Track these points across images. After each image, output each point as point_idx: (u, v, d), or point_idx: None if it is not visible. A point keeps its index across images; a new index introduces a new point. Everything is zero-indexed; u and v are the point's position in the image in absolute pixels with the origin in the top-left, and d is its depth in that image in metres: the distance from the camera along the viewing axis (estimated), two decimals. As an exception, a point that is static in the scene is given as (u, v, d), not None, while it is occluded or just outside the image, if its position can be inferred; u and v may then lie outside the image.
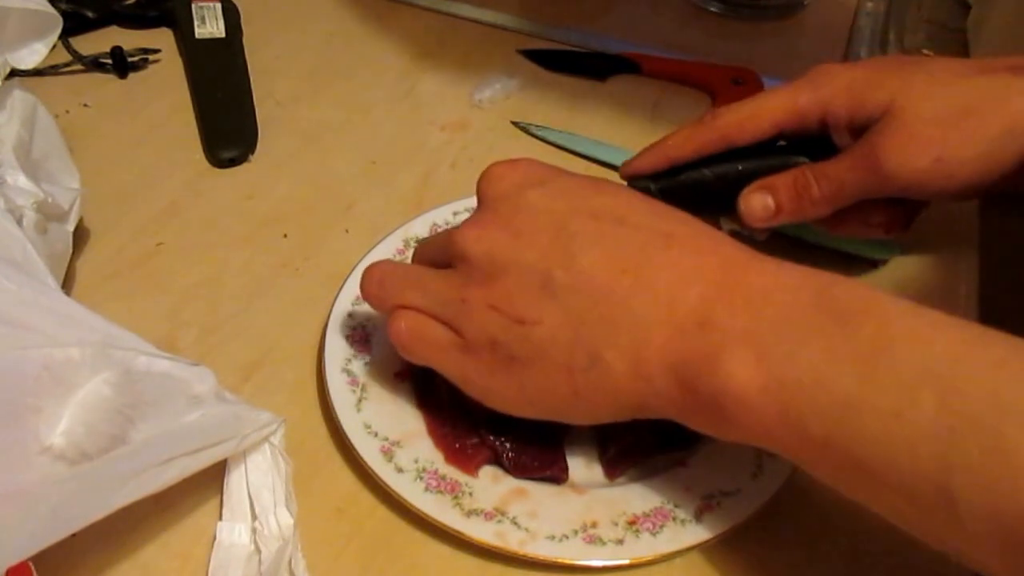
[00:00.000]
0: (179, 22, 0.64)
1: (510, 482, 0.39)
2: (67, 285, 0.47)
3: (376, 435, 0.39)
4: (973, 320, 0.30)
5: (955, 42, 0.66)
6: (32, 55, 0.51)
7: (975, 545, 0.28)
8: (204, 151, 0.56)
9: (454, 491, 0.38)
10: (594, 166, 0.57)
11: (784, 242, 0.49)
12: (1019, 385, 0.27)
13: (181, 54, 0.63)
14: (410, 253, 0.47)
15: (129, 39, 0.63)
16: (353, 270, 0.46)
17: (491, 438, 0.39)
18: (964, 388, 0.28)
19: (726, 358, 0.31)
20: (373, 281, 0.39)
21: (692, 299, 0.33)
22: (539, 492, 0.39)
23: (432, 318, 0.37)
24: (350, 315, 0.44)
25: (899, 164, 0.41)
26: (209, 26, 0.63)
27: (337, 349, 0.43)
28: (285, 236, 0.51)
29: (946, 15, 0.69)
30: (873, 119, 0.42)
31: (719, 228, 0.46)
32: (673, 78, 0.63)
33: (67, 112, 0.58)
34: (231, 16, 0.65)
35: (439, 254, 0.39)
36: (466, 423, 0.40)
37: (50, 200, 0.43)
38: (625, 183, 0.47)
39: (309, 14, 0.68)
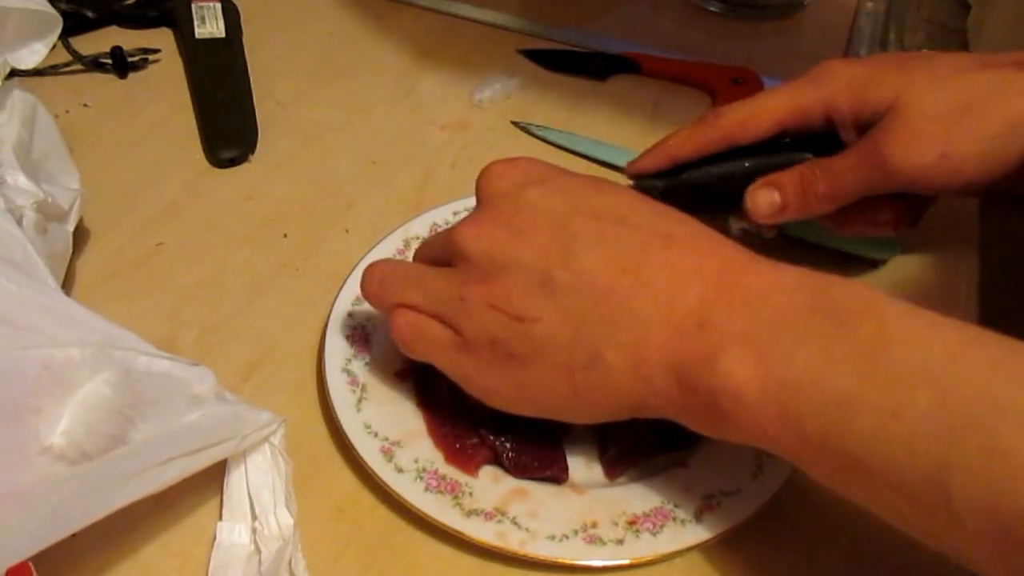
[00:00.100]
0: (179, 22, 0.64)
1: (510, 482, 0.39)
2: (67, 285, 0.47)
3: (376, 435, 0.39)
4: (973, 320, 0.30)
5: (955, 42, 0.66)
6: (32, 55, 0.51)
7: (973, 544, 0.28)
8: (204, 151, 0.56)
9: (454, 491, 0.38)
10: (594, 166, 0.57)
11: (785, 242, 0.49)
12: (1016, 386, 0.27)
13: (181, 54, 0.63)
14: (410, 253, 0.47)
15: (129, 39, 0.63)
16: (353, 270, 0.46)
17: (491, 438, 0.39)
18: (962, 388, 0.28)
19: (725, 358, 0.32)
20: (374, 280, 0.39)
21: (691, 299, 0.33)
22: (539, 492, 0.39)
23: (432, 316, 0.37)
24: (350, 315, 0.44)
25: (903, 160, 0.41)
26: (209, 26, 0.63)
27: (337, 349, 0.43)
28: (285, 236, 0.51)
29: (946, 15, 0.69)
30: (877, 116, 0.42)
31: (728, 227, 0.47)
32: (673, 78, 0.63)
33: (67, 112, 0.58)
34: (231, 16, 0.65)
35: (439, 253, 0.39)
36: (466, 423, 0.40)
37: (50, 200, 0.43)
38: (627, 183, 0.47)
39: (309, 14, 0.68)
